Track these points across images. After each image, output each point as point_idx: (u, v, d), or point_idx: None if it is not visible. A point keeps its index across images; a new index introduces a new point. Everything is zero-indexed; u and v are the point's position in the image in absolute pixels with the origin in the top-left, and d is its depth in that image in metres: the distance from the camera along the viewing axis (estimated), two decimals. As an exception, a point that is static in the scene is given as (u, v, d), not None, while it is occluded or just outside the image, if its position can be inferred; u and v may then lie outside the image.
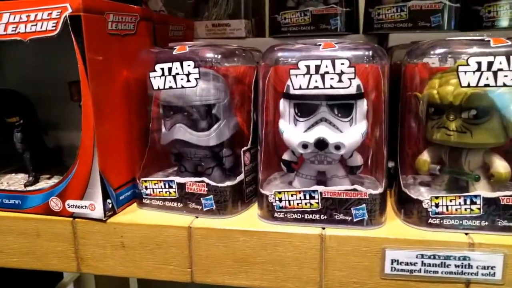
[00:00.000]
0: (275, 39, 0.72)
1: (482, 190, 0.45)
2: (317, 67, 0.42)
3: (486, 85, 0.40)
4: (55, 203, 0.49)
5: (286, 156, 0.50)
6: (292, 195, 0.46)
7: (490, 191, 0.44)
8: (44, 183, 0.55)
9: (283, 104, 0.47)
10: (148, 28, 0.56)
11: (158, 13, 0.71)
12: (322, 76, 0.42)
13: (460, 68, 0.41)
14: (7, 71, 0.64)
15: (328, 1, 0.71)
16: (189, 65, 0.46)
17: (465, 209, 0.43)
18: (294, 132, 0.46)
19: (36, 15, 0.44)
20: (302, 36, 0.70)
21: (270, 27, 0.72)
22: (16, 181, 0.57)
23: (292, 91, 0.45)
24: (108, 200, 0.48)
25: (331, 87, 0.43)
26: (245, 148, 0.50)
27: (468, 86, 0.41)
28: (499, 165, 0.44)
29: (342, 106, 0.45)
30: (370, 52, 0.44)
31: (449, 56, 0.44)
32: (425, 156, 0.48)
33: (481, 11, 0.64)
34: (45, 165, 0.59)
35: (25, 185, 0.54)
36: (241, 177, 0.49)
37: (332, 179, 0.48)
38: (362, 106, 0.46)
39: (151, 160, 0.54)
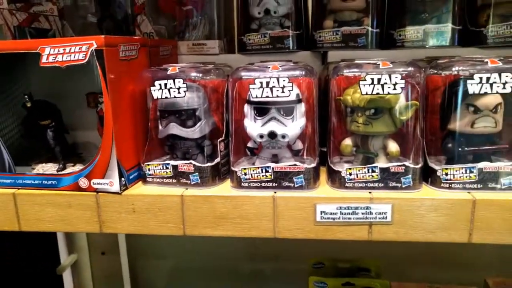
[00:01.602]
0: (242, 55, 0.92)
1: (382, 163, 0.66)
2: (267, 83, 0.63)
3: (378, 93, 0.62)
4: (83, 182, 0.68)
5: (250, 144, 0.70)
6: (253, 170, 0.66)
7: (387, 163, 0.66)
8: (71, 169, 0.74)
9: (246, 108, 0.67)
10: (146, 52, 0.75)
11: (150, 38, 0.90)
12: (271, 89, 0.63)
13: (361, 82, 0.62)
14: (39, 85, 0.82)
15: (283, 25, 0.92)
16: (179, 82, 0.66)
17: (368, 176, 0.64)
18: (254, 127, 0.66)
19: (70, 49, 0.62)
20: (263, 53, 0.90)
21: (238, 46, 0.92)
22: (48, 168, 0.75)
23: (252, 99, 0.65)
24: (122, 179, 0.67)
25: (277, 96, 0.63)
26: (220, 139, 0.70)
27: (366, 94, 0.62)
28: (392, 146, 0.65)
29: (286, 108, 0.65)
30: (303, 71, 0.65)
31: (357, 73, 0.64)
32: (347, 142, 0.69)
33: (394, 34, 0.86)
34: (68, 157, 0.77)
35: (57, 170, 0.72)
36: (217, 159, 0.69)
37: (282, 159, 0.69)
38: (301, 108, 0.67)
39: (150, 150, 0.73)
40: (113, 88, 0.64)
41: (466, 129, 0.64)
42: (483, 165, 0.62)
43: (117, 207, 0.68)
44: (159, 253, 1.46)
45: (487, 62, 0.61)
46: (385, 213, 0.63)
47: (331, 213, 0.64)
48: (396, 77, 0.61)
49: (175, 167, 0.69)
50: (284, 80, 0.62)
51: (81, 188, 0.68)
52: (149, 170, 0.70)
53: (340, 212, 0.63)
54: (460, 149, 0.65)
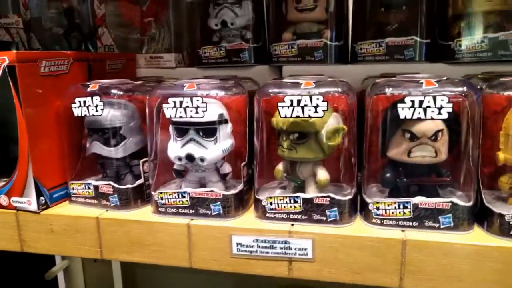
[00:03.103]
0: (198, 69, 0.88)
1: (312, 192, 0.60)
2: (181, 102, 0.58)
3: (298, 116, 0.55)
4: (3, 199, 0.66)
5: (175, 166, 0.65)
6: (170, 195, 0.61)
7: (318, 192, 0.59)
8: None
9: (170, 128, 0.63)
10: (81, 67, 0.73)
11: (95, 53, 0.88)
12: (185, 109, 0.58)
13: (279, 104, 0.56)
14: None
15: (244, 37, 0.87)
16: (96, 99, 0.62)
17: (290, 206, 0.58)
18: (173, 148, 0.62)
19: (-16, 65, 0.61)
20: (219, 67, 0.86)
21: (196, 59, 0.88)
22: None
23: (172, 119, 0.61)
24: (41, 197, 0.65)
25: (191, 117, 0.58)
26: (144, 159, 0.66)
27: (285, 117, 0.56)
28: (320, 174, 0.59)
29: (206, 129, 0.60)
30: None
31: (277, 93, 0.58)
32: (279, 167, 0.63)
33: (355, 48, 0.79)
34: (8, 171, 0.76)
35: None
36: (140, 181, 0.66)
37: (208, 183, 0.64)
38: (226, 129, 0.62)
39: (84, 168, 0.71)
40: (29, 105, 0.62)
41: (403, 157, 0.56)
42: (418, 200, 0.54)
43: (36, 226, 0.66)
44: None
45: (422, 83, 0.53)
46: (305, 249, 0.56)
47: (247, 246, 0.58)
48: (317, 99, 0.54)
49: (96, 187, 0.66)
50: (198, 100, 0.58)
51: (2, 206, 0.66)
52: (73, 189, 0.68)
53: (257, 245, 0.58)
54: (398, 180, 0.57)
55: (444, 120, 0.54)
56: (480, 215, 0.55)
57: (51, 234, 0.65)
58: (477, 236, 0.53)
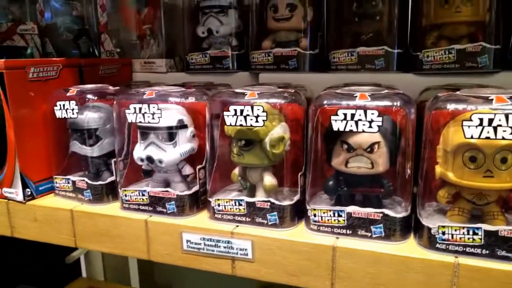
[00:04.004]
0: (187, 74, 0.93)
1: (261, 196, 0.63)
2: (140, 109, 0.63)
3: (241, 125, 0.59)
4: (-3, 189, 0.75)
5: (143, 166, 0.71)
6: (132, 193, 0.67)
7: (266, 197, 0.62)
8: None
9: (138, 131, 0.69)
10: (72, 72, 0.80)
11: (88, 58, 0.96)
12: (143, 115, 0.63)
13: (225, 113, 0.59)
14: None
15: (231, 44, 0.91)
16: (73, 103, 0.69)
17: (236, 209, 0.62)
18: (137, 150, 0.67)
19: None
20: (204, 73, 0.91)
21: (184, 65, 0.93)
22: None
23: (138, 124, 0.66)
24: (27, 189, 0.73)
25: (149, 122, 0.63)
26: (116, 159, 0.72)
27: (231, 125, 0.59)
28: (267, 180, 0.62)
29: (165, 133, 0.65)
30: (194, 97, 0.65)
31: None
32: (236, 171, 0.67)
33: (329, 57, 0.80)
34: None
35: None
36: (112, 178, 0.72)
37: (172, 183, 0.69)
38: (185, 133, 0.66)
39: (71, 164, 0.78)
40: (16, 108, 0.70)
41: (341, 167, 0.58)
42: (352, 209, 0.56)
43: (23, 215, 0.74)
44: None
45: (356, 96, 0.55)
46: (245, 250, 0.60)
47: (196, 243, 0.62)
48: (258, 109, 0.57)
49: (74, 183, 0.73)
50: (153, 107, 0.63)
51: (-5, 195, 0.75)
52: (56, 183, 0.75)
53: (204, 243, 0.62)
54: (339, 188, 0.59)
55: (381, 133, 0.55)
56: (415, 228, 0.56)
57: (35, 222, 0.73)
58: (407, 247, 0.54)
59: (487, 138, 0.47)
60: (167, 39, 0.97)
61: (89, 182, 0.71)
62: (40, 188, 0.76)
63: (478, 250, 0.49)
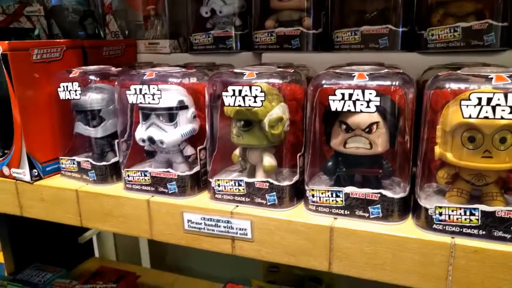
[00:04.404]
0: (191, 54, 0.93)
1: (260, 177, 0.63)
2: (140, 90, 0.64)
3: (240, 105, 0.59)
4: (6, 170, 0.77)
5: (146, 147, 0.72)
6: (134, 173, 0.68)
7: (266, 177, 0.62)
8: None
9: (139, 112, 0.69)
10: (76, 53, 0.81)
11: (91, 40, 0.96)
12: (144, 96, 0.64)
13: (224, 94, 0.59)
14: None
15: (234, 24, 0.90)
16: (76, 84, 0.70)
17: (235, 189, 0.62)
18: (139, 131, 0.68)
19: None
20: (208, 53, 0.90)
21: (188, 45, 0.93)
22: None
23: (139, 105, 0.67)
24: (34, 170, 0.75)
25: (149, 103, 0.64)
26: (119, 140, 0.73)
27: (229, 105, 0.59)
28: (266, 160, 0.62)
29: (166, 114, 0.66)
30: (195, 77, 0.66)
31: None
32: (236, 151, 0.67)
33: (333, 36, 0.79)
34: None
35: (-3, 157, 0.83)
36: (116, 159, 0.73)
37: (173, 164, 0.70)
38: (186, 114, 0.67)
39: (78, 145, 0.80)
40: (21, 89, 0.71)
41: (340, 148, 0.58)
42: (350, 190, 0.56)
43: (30, 195, 0.76)
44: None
45: (354, 76, 0.54)
46: (245, 230, 0.60)
47: (196, 223, 0.63)
48: (256, 89, 0.57)
49: (79, 163, 0.74)
50: (153, 88, 0.63)
51: (4, 175, 0.77)
52: (62, 164, 0.77)
53: (204, 223, 0.63)
54: (338, 169, 0.59)
55: (379, 113, 0.55)
56: (413, 209, 0.56)
57: (42, 202, 0.75)
58: (404, 228, 0.54)
59: (486, 117, 0.46)
60: (171, 20, 0.97)
61: (94, 163, 0.72)
62: (47, 169, 0.77)
63: (475, 231, 0.49)
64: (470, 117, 0.48)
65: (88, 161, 0.73)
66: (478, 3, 0.68)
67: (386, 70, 0.56)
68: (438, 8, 0.71)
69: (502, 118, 0.46)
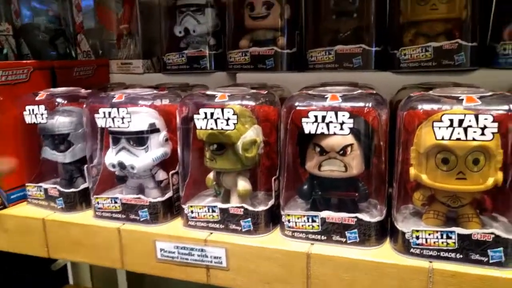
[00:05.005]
0: (164, 74, 0.91)
1: (235, 202, 0.61)
2: (109, 113, 0.61)
3: (212, 129, 0.57)
4: (-33, 199, 0.73)
5: (117, 172, 0.69)
6: (104, 200, 0.65)
7: (240, 203, 0.61)
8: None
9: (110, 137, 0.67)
10: (43, 75, 0.78)
11: (61, 60, 0.93)
12: (113, 119, 0.62)
13: (195, 116, 0.58)
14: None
15: (209, 43, 0.89)
16: (42, 107, 0.67)
17: (209, 215, 0.60)
18: (109, 156, 0.65)
19: None
20: (181, 73, 0.89)
21: (162, 65, 0.92)
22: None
23: (109, 129, 0.64)
24: (-3, 198, 0.71)
25: (119, 127, 0.62)
26: (88, 165, 0.70)
27: (201, 128, 0.58)
28: (240, 185, 0.60)
29: (136, 138, 0.64)
30: (167, 99, 0.65)
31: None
32: (210, 175, 0.65)
33: (307, 55, 0.79)
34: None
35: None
36: (85, 185, 0.70)
37: (146, 189, 0.67)
38: (157, 138, 0.65)
39: (46, 171, 0.76)
40: (-17, 113, 0.68)
41: (315, 171, 0.56)
42: (326, 214, 0.55)
43: (-7, 224, 0.72)
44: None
45: (327, 97, 0.53)
46: (219, 258, 0.58)
47: (169, 252, 0.61)
48: (228, 112, 0.56)
49: (46, 190, 0.71)
50: (123, 111, 0.61)
51: (-32, 204, 0.73)
52: (28, 191, 0.73)
53: (178, 251, 0.60)
54: (313, 193, 0.58)
55: (353, 135, 0.54)
56: (390, 232, 0.55)
57: (6, 232, 0.71)
58: (382, 253, 0.53)
59: (458, 139, 0.46)
60: (144, 39, 0.95)
61: (61, 189, 0.69)
62: (12, 197, 0.74)
63: (452, 254, 0.48)
64: (443, 138, 0.47)
65: (55, 187, 0.69)
66: (448, 23, 0.69)
67: (359, 91, 0.56)
68: (409, 28, 0.72)
69: (474, 139, 0.45)
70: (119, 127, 0.62)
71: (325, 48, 0.76)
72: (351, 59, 0.75)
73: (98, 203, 0.66)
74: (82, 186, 0.70)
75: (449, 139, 0.47)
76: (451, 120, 0.46)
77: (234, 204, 0.60)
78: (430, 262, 0.49)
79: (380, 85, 0.69)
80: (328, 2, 0.78)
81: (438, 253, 0.49)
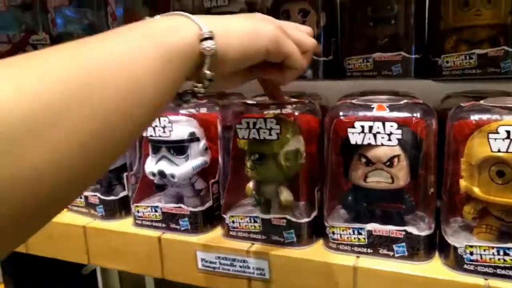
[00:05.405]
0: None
1: (275, 212, 0.61)
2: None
3: (254, 138, 0.57)
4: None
5: (156, 181, 0.69)
6: (144, 209, 0.66)
7: (282, 213, 0.60)
8: None
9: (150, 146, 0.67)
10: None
11: None
12: (154, 128, 0.62)
13: (237, 126, 0.57)
14: None
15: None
16: (83, 118, 0.68)
17: (251, 226, 0.60)
18: (149, 164, 0.66)
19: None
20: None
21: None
22: None
23: (149, 138, 0.65)
24: (40, 206, 0.72)
25: (160, 136, 0.62)
26: (128, 173, 0.71)
27: (243, 138, 0.57)
28: (283, 196, 0.60)
29: (177, 147, 0.64)
30: (205, 108, 0.65)
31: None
32: (250, 185, 0.65)
33: (344, 63, 0.78)
34: None
35: None
36: (124, 193, 0.71)
37: (184, 198, 0.68)
38: (197, 147, 0.65)
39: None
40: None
41: (360, 182, 0.55)
42: (372, 227, 0.54)
43: (38, 232, 0.73)
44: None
45: (373, 107, 0.53)
46: (263, 269, 0.58)
47: (211, 262, 0.61)
48: (271, 122, 0.55)
49: (86, 198, 0.72)
50: (164, 120, 0.61)
51: None
52: (69, 198, 0.74)
53: (219, 262, 0.60)
54: (358, 204, 0.57)
55: (401, 146, 0.53)
56: (439, 246, 0.53)
57: (50, 239, 0.72)
58: (431, 268, 0.51)
59: (517, 152, 0.44)
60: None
61: (102, 197, 0.70)
62: (53, 204, 0.75)
63: (511, 272, 0.46)
64: (499, 150, 0.46)
65: (96, 195, 0.70)
66: (492, 29, 0.67)
67: (405, 101, 0.54)
68: (451, 35, 0.70)
69: (534, 152, 0.44)
70: (160, 136, 0.62)
71: (363, 56, 0.75)
72: (390, 67, 0.73)
73: (138, 211, 0.66)
74: (122, 194, 0.71)
75: (506, 151, 0.45)
76: (508, 132, 0.45)
77: (276, 215, 0.59)
78: (486, 279, 0.47)
79: (420, 93, 0.67)
80: (365, 8, 0.77)
81: (495, 270, 0.47)
